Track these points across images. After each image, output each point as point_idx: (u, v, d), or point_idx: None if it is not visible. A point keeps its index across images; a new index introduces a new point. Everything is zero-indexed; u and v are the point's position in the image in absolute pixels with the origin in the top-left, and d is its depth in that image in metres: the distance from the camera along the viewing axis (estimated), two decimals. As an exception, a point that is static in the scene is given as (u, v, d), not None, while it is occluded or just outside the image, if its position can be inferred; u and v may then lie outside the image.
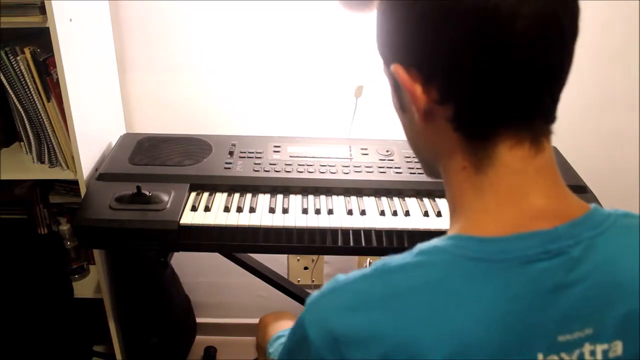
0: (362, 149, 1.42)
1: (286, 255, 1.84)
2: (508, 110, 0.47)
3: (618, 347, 0.47)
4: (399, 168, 1.34)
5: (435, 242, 0.50)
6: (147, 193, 1.18)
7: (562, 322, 0.46)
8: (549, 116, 0.50)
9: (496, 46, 0.45)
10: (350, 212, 1.21)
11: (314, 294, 0.51)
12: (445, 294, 0.46)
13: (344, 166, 1.34)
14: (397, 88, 0.53)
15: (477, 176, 0.50)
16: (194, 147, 1.39)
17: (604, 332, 0.46)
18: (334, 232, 1.17)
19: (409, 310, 0.45)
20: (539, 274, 0.46)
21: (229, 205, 1.22)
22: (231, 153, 1.37)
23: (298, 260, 1.86)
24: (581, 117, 1.62)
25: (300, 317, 0.50)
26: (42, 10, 1.11)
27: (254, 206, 1.22)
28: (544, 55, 0.46)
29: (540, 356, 0.45)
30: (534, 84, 0.47)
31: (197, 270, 1.85)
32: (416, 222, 1.19)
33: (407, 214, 1.21)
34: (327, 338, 0.47)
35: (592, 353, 0.46)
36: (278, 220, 1.18)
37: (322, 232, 1.17)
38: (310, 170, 1.32)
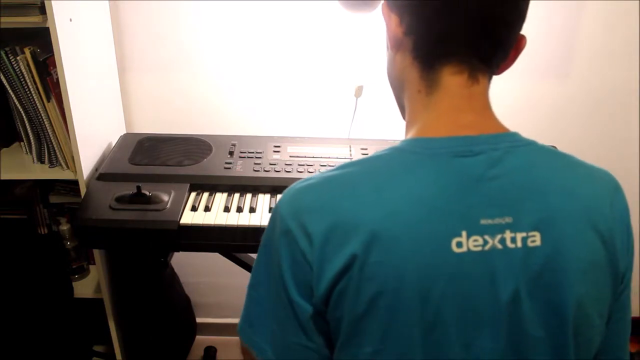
0: (362, 149, 1.42)
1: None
2: (453, 47, 0.61)
3: (537, 238, 0.57)
4: (399, 168, 1.33)
5: None
6: (147, 193, 1.18)
7: (483, 208, 0.57)
8: (488, 59, 0.62)
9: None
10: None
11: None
12: (385, 176, 0.58)
13: (344, 166, 1.34)
14: (388, 29, 0.67)
15: (427, 97, 0.63)
16: (194, 147, 1.39)
17: (522, 223, 0.57)
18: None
19: (356, 189, 0.58)
20: (464, 167, 0.58)
21: (229, 205, 1.22)
22: (231, 153, 1.37)
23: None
24: (581, 117, 1.62)
25: (276, 203, 0.63)
26: (42, 10, 1.11)
27: (254, 206, 1.22)
28: (493, 11, 0.58)
29: (464, 233, 0.56)
30: (477, 32, 0.59)
31: (197, 270, 1.85)
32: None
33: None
34: (293, 210, 0.59)
35: (513, 239, 0.57)
36: (278, 220, 1.18)
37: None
38: (310, 170, 1.32)
